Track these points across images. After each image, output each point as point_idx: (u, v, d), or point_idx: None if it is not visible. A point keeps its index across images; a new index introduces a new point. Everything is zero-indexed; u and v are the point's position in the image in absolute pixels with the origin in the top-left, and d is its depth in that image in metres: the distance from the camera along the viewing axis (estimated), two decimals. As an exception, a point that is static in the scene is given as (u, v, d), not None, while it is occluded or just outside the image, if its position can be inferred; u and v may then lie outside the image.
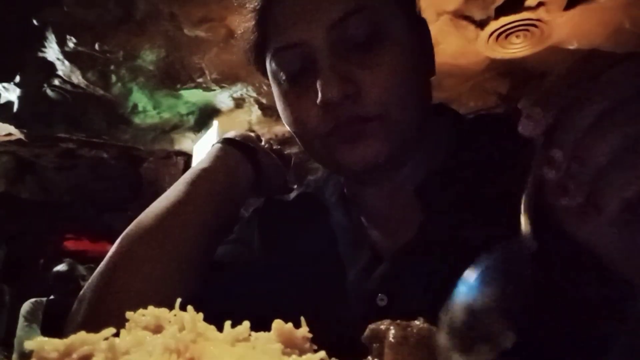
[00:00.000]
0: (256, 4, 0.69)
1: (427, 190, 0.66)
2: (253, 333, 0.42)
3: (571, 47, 3.74)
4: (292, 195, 0.85)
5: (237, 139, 0.79)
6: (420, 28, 0.69)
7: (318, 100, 0.60)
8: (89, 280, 0.69)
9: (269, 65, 0.67)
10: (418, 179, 0.67)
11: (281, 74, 0.65)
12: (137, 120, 5.12)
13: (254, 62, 0.72)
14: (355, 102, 0.60)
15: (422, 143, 0.69)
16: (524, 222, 0.40)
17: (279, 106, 0.69)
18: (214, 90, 4.51)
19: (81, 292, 0.69)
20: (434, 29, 3.78)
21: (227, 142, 0.78)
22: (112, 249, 0.68)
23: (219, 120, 4.98)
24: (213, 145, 0.79)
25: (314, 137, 0.65)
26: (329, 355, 0.39)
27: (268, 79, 0.70)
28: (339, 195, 0.77)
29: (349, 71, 0.60)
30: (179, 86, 4.45)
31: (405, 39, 0.63)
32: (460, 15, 3.47)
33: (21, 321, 3.45)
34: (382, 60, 0.61)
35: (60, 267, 3.69)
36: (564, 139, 0.37)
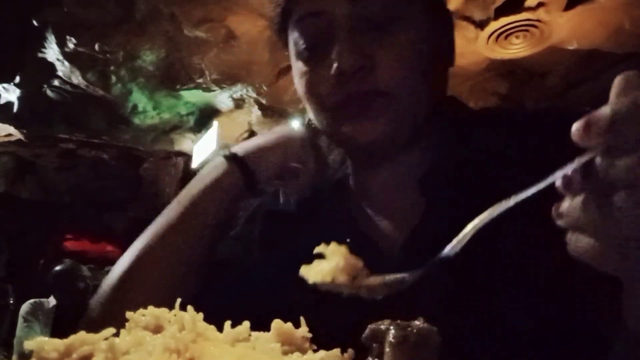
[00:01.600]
0: None
1: (431, 181, 0.66)
2: (253, 333, 0.42)
3: (571, 47, 3.74)
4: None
5: (239, 155, 0.75)
6: (442, 19, 0.71)
7: (333, 69, 0.61)
8: (98, 293, 0.72)
9: (291, 34, 0.69)
10: (423, 169, 0.68)
11: (301, 42, 0.66)
12: (137, 120, 5.12)
13: (277, 30, 0.72)
14: (368, 76, 0.61)
15: (429, 132, 0.70)
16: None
17: (296, 77, 0.70)
18: (214, 90, 4.51)
19: (91, 302, 0.71)
20: (434, 29, 3.76)
21: (227, 158, 0.75)
22: (122, 264, 0.71)
23: (218, 121, 4.97)
24: (216, 157, 0.77)
25: (325, 109, 0.66)
26: (330, 348, 0.40)
27: (288, 50, 0.72)
28: (341, 187, 0.77)
29: (366, 46, 0.62)
30: (178, 86, 4.45)
31: (423, 26, 0.65)
32: (460, 15, 3.47)
33: (21, 321, 3.45)
34: (398, 41, 0.62)
35: (60, 267, 3.69)
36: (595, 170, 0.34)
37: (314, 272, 0.44)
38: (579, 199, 0.35)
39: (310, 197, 0.77)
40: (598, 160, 0.33)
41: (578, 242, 0.36)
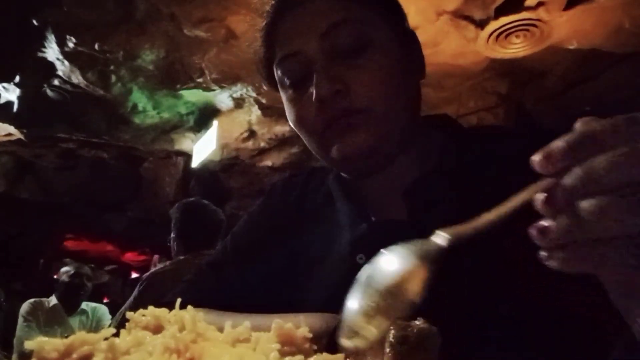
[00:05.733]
0: (263, 22, 0.78)
1: (414, 193, 0.71)
2: (253, 334, 0.43)
3: (571, 47, 3.74)
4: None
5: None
6: (407, 38, 0.78)
7: (313, 98, 0.68)
8: None
9: (276, 74, 0.77)
10: (409, 182, 0.72)
11: (285, 80, 0.75)
12: (137, 120, 5.12)
13: (265, 75, 0.81)
14: (344, 97, 0.69)
15: (414, 146, 0.75)
16: None
17: (286, 110, 0.77)
18: (214, 90, 4.51)
19: None
20: (434, 29, 3.79)
21: None
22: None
23: (218, 120, 4.98)
24: None
25: (313, 135, 0.73)
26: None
27: (278, 89, 0.79)
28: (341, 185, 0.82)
29: (339, 72, 0.69)
30: (178, 86, 4.45)
31: (389, 46, 0.72)
32: (460, 15, 3.47)
33: (20, 321, 3.45)
34: (367, 62, 0.70)
35: (66, 268, 3.70)
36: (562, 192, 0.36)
37: None
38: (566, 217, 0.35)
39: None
40: (564, 181, 0.35)
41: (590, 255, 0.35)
